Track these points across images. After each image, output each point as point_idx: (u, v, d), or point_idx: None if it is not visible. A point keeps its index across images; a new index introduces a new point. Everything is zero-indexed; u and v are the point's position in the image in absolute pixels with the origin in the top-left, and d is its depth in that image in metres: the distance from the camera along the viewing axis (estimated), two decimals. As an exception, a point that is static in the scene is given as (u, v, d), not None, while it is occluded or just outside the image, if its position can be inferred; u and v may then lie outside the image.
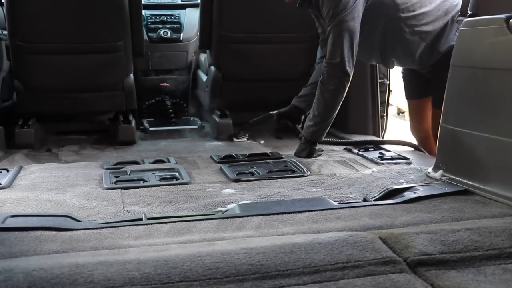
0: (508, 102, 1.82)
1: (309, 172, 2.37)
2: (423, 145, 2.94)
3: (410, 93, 3.02)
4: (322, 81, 2.61)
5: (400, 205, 1.83)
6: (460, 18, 2.16)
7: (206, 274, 1.14)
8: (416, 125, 3.04)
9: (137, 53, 3.40)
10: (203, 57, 3.90)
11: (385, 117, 3.55)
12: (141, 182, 2.22)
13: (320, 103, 2.62)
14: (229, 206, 1.87)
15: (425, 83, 2.80)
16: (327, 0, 2.53)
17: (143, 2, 3.52)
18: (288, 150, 2.95)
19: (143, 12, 3.56)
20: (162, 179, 2.26)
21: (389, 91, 3.61)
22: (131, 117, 3.45)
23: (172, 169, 2.43)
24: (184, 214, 1.78)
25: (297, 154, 2.74)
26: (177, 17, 4.08)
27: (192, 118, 3.98)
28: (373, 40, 2.66)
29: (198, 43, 3.64)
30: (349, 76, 2.55)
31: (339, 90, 2.58)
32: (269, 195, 2.02)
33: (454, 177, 2.04)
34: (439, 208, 1.78)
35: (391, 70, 3.43)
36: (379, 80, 3.40)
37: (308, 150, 2.71)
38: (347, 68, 2.53)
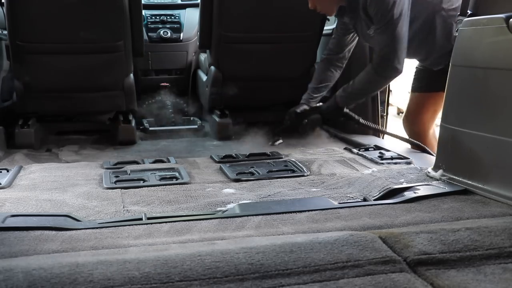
0: (508, 102, 1.82)
1: (309, 172, 2.37)
2: (415, 139, 2.95)
3: (420, 86, 3.03)
4: (375, 70, 2.73)
5: (400, 204, 1.83)
6: (460, 17, 2.16)
7: (206, 274, 1.14)
8: (414, 118, 3.05)
9: (137, 53, 3.40)
10: (203, 57, 3.90)
11: (385, 117, 3.55)
12: (141, 182, 2.22)
13: (365, 85, 2.80)
14: (229, 206, 1.87)
15: (439, 77, 2.81)
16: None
17: (143, 2, 3.52)
18: (288, 150, 2.95)
19: (143, 12, 3.56)
20: (162, 179, 2.26)
21: (389, 91, 3.60)
22: (131, 117, 3.45)
23: (172, 169, 2.43)
24: (184, 214, 1.78)
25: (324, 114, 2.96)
26: (177, 17, 4.08)
27: (192, 118, 3.97)
28: (420, 36, 2.73)
29: (198, 43, 3.64)
30: (400, 73, 2.69)
31: (386, 83, 2.85)
32: (269, 195, 2.02)
33: (454, 177, 2.04)
34: (439, 207, 1.78)
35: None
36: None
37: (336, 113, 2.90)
38: (399, 66, 2.66)
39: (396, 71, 2.67)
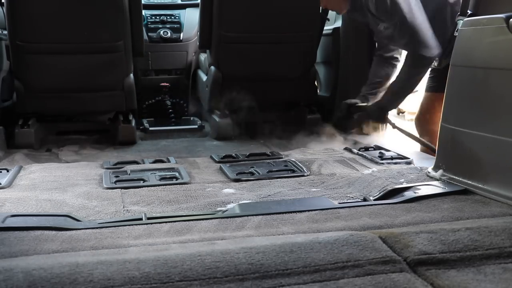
0: (508, 102, 1.82)
1: (309, 172, 2.37)
2: (426, 138, 2.94)
3: (434, 85, 3.01)
4: (412, 65, 2.72)
5: (400, 204, 1.83)
6: (460, 17, 2.16)
7: (206, 274, 1.14)
8: (426, 117, 3.04)
9: (137, 53, 3.40)
10: (203, 57, 3.90)
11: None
12: (141, 182, 2.22)
13: (407, 80, 2.78)
14: (229, 206, 1.87)
15: None
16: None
17: (143, 2, 3.52)
18: (288, 150, 2.95)
19: (143, 12, 3.56)
20: (162, 179, 2.26)
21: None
22: (131, 117, 3.45)
23: (172, 169, 2.43)
24: (184, 214, 1.78)
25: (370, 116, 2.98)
26: (177, 17, 4.08)
27: (192, 118, 3.98)
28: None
29: (198, 43, 3.64)
30: (436, 55, 2.66)
31: (425, 70, 2.78)
32: (269, 195, 2.02)
33: (454, 177, 2.04)
34: (439, 207, 1.78)
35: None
36: (379, 80, 3.39)
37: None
38: (431, 52, 2.63)
39: (430, 59, 2.66)
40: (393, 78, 3.06)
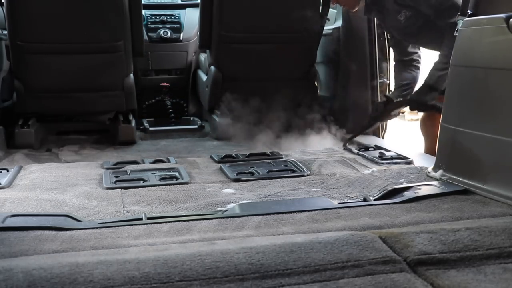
0: (508, 102, 1.82)
1: (309, 172, 2.37)
2: (431, 140, 2.94)
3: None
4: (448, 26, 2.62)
5: (400, 204, 1.83)
6: (460, 18, 2.16)
7: (206, 274, 1.14)
8: (432, 119, 3.03)
9: (137, 53, 3.40)
10: (203, 57, 3.90)
11: (385, 117, 3.54)
12: (141, 182, 2.22)
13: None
14: (229, 206, 1.87)
15: None
16: None
17: (143, 2, 3.52)
18: (288, 150, 2.95)
19: (143, 12, 3.56)
20: (162, 179, 2.26)
21: (389, 91, 3.60)
22: (131, 117, 3.45)
23: (172, 169, 2.43)
24: (184, 214, 1.78)
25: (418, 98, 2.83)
26: (177, 17, 4.09)
27: (192, 118, 3.98)
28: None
29: (198, 43, 3.64)
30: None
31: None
32: (269, 195, 2.02)
33: (454, 177, 2.04)
34: (439, 207, 1.78)
35: (390, 69, 3.43)
36: (379, 80, 3.40)
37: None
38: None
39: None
40: (419, 80, 3.05)
